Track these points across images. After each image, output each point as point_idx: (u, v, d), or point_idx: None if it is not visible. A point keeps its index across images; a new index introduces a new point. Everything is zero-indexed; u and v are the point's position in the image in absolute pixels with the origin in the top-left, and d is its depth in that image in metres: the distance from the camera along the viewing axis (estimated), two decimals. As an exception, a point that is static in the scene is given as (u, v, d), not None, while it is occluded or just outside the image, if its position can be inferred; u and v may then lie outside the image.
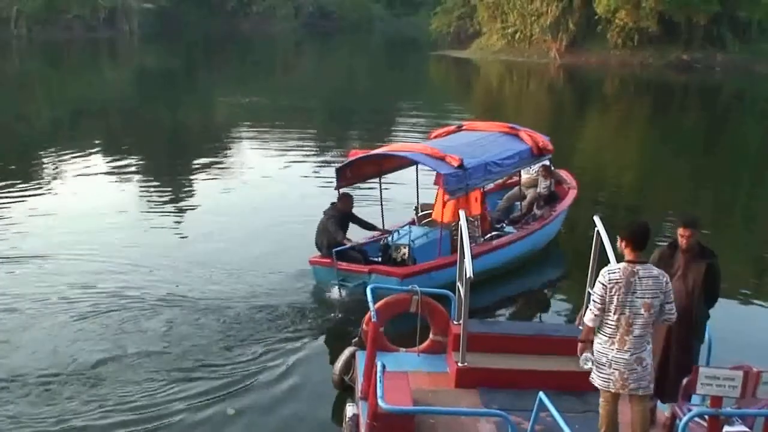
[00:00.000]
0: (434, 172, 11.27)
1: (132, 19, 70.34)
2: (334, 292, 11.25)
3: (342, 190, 11.95)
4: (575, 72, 49.64)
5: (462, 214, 8.03)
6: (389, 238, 11.97)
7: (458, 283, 8.04)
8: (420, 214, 12.96)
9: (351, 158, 12.14)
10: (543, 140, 13.28)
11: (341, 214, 11.64)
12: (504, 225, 13.41)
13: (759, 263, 14.48)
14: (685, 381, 6.54)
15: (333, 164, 21.20)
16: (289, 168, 20.83)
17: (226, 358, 9.43)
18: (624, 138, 29.26)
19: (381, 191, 12.90)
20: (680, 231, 6.80)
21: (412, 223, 12.96)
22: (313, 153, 23.65)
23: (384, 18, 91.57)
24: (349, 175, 12.12)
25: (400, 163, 12.83)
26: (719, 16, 49.92)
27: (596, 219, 7.77)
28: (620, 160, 24.34)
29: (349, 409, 7.52)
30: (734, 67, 48.86)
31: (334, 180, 11.96)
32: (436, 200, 11.97)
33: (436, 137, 13.71)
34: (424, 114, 31.68)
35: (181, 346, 9.72)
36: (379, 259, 11.68)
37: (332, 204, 11.77)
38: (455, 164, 11.22)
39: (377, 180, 12.78)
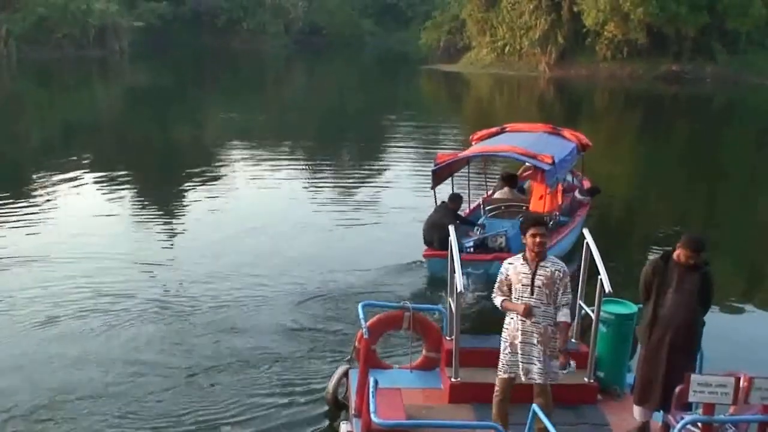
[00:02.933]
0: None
1: (122, 38, 70.16)
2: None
3: (451, 191, 13.40)
4: (565, 85, 49.85)
5: (452, 229, 7.99)
6: (478, 230, 12.83)
7: (449, 299, 8.02)
8: (488, 207, 13.68)
9: (443, 161, 13.19)
10: (584, 138, 14.74)
11: (452, 212, 12.76)
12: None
13: (750, 271, 14.56)
14: (677, 389, 6.51)
15: (327, 178, 21.53)
16: (284, 182, 20.84)
17: (219, 375, 9.36)
18: (615, 149, 29.28)
19: (453, 188, 13.87)
20: (689, 253, 6.71)
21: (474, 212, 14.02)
22: (306, 167, 23.71)
23: (374, 33, 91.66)
24: (439, 175, 13.29)
25: (464, 163, 14.14)
26: (708, 28, 50.21)
27: (585, 231, 7.80)
28: (611, 171, 24.30)
29: (343, 427, 7.49)
30: (724, 78, 49.15)
31: (430, 181, 13.25)
32: (531, 194, 13.01)
33: (479, 138, 15.04)
34: (418, 127, 31.82)
35: (173, 358, 9.71)
36: (472, 249, 12.29)
37: (443, 203, 12.96)
38: (549, 161, 12.33)
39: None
